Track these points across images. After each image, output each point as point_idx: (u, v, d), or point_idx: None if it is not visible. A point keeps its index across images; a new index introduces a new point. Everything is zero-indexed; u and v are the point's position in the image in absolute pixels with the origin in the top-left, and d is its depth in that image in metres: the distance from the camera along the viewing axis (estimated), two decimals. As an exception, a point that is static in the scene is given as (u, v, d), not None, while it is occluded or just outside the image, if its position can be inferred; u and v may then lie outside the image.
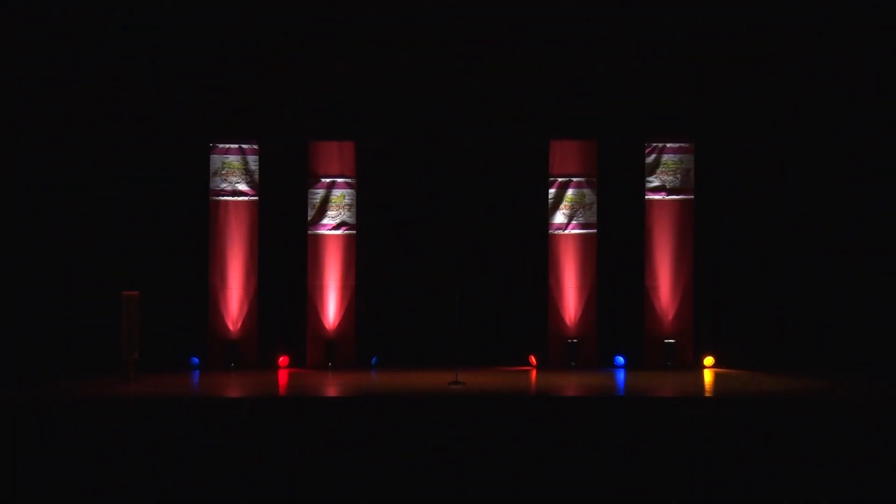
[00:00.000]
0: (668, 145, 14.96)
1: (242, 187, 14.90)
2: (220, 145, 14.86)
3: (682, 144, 14.96)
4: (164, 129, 14.66)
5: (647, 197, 15.01)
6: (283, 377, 13.95)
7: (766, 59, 14.47)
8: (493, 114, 14.80)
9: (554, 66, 14.60)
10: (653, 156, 14.99)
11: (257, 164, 14.95)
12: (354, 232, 15.00)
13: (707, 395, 12.73)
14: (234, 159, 14.88)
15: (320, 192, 14.95)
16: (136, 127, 14.60)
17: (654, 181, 14.99)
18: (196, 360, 14.57)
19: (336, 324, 14.84)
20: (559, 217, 15.00)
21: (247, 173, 14.91)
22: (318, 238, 14.93)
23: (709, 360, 14.66)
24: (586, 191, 14.99)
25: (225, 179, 14.87)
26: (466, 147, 15.06)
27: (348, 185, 14.98)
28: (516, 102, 14.78)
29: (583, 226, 14.98)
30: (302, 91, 14.73)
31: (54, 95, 14.42)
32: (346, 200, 14.96)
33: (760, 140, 14.74)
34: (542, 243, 15.02)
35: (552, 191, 15.02)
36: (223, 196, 14.88)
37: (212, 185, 14.87)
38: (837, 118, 14.64)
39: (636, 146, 15.01)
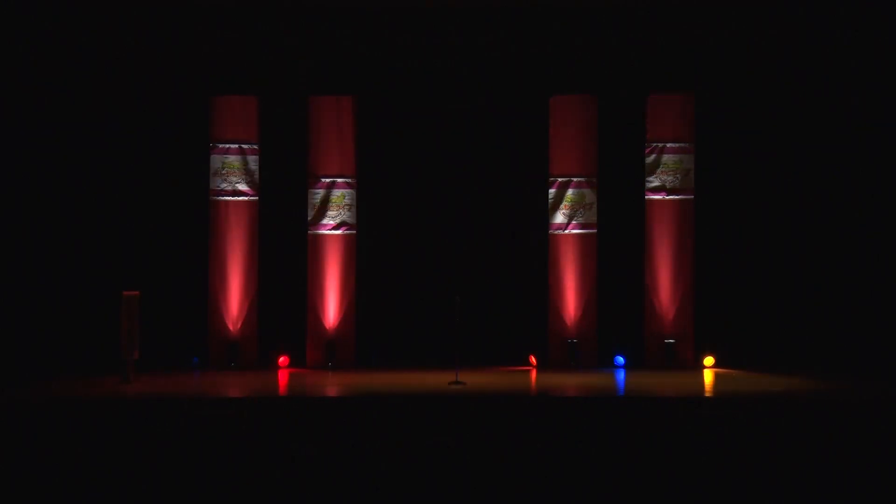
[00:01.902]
0: (668, 145, 14.95)
1: (242, 187, 14.90)
2: (220, 145, 14.86)
3: (682, 144, 14.95)
4: (164, 82, 14.64)
5: (647, 197, 15.01)
6: (283, 377, 13.95)
7: (769, 17, 14.45)
8: (493, 68, 14.77)
9: (553, 20, 14.55)
10: (653, 156, 14.99)
11: (257, 164, 14.95)
12: (354, 232, 15.00)
13: (707, 395, 12.73)
14: (234, 159, 14.88)
15: (320, 192, 14.95)
16: (136, 82, 14.59)
17: (654, 181, 14.98)
18: (196, 359, 14.58)
19: (336, 324, 14.84)
20: (559, 217, 15.00)
21: (247, 173, 14.91)
22: (318, 238, 14.93)
23: (709, 360, 14.66)
24: (586, 191, 14.99)
25: (225, 179, 14.87)
26: (467, 142, 15.04)
27: (348, 185, 14.98)
28: (516, 57, 14.74)
29: (583, 226, 14.98)
30: (302, 46, 14.69)
31: (49, 78, 14.47)
32: (346, 200, 14.96)
33: (760, 91, 14.68)
34: (542, 243, 15.02)
35: (552, 191, 15.02)
36: (223, 196, 14.89)
37: (212, 185, 14.87)
38: (839, 111, 14.64)
39: (636, 101, 14.92)
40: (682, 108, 14.91)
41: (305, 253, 14.92)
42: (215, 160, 14.88)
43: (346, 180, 14.98)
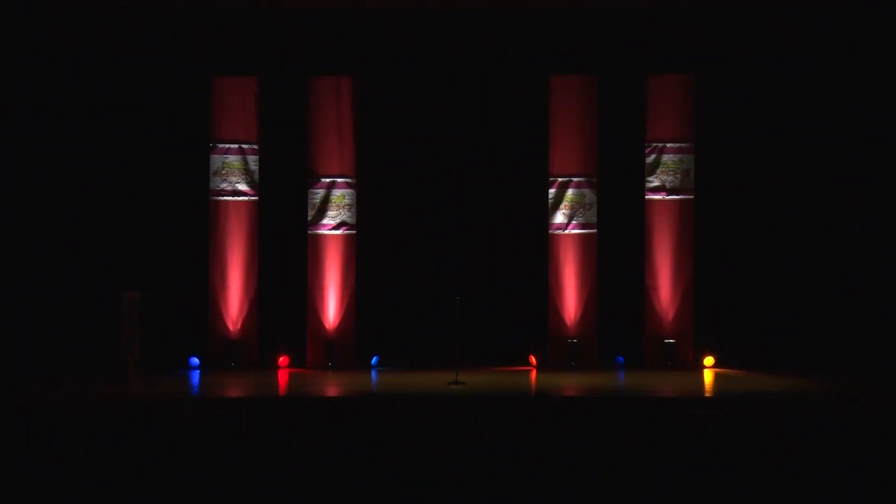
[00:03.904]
0: (668, 145, 14.96)
1: (242, 187, 14.90)
2: (220, 145, 14.87)
3: (682, 144, 14.96)
4: (164, 63, 14.63)
5: (647, 197, 15.00)
6: (283, 377, 13.95)
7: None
8: (493, 47, 14.75)
9: (554, 2, 14.55)
10: (653, 156, 14.99)
11: (257, 164, 14.95)
12: (354, 232, 15.00)
13: (707, 395, 12.73)
14: (234, 159, 14.88)
15: (320, 192, 14.95)
16: (135, 75, 14.60)
17: (654, 181, 14.98)
18: (196, 360, 14.58)
19: (336, 324, 14.84)
20: (559, 217, 15.00)
21: (247, 173, 14.92)
22: (318, 238, 14.93)
23: (709, 360, 14.65)
24: (586, 191, 14.99)
25: (225, 179, 14.87)
26: (466, 140, 15.02)
27: (348, 185, 14.98)
28: (517, 37, 14.71)
29: (583, 226, 14.98)
30: (300, 27, 14.67)
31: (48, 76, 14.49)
32: (346, 200, 14.96)
33: (761, 82, 14.68)
34: (542, 243, 15.02)
35: (552, 191, 15.02)
36: (223, 196, 14.89)
37: (212, 185, 14.87)
38: (841, 107, 14.62)
39: (636, 82, 14.91)
40: (682, 91, 14.87)
41: (305, 253, 14.91)
42: (215, 160, 14.88)
43: (347, 180, 14.98)
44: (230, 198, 14.88)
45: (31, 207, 14.48)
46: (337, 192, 14.94)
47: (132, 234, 14.67)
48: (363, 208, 15.05)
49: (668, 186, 14.97)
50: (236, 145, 14.89)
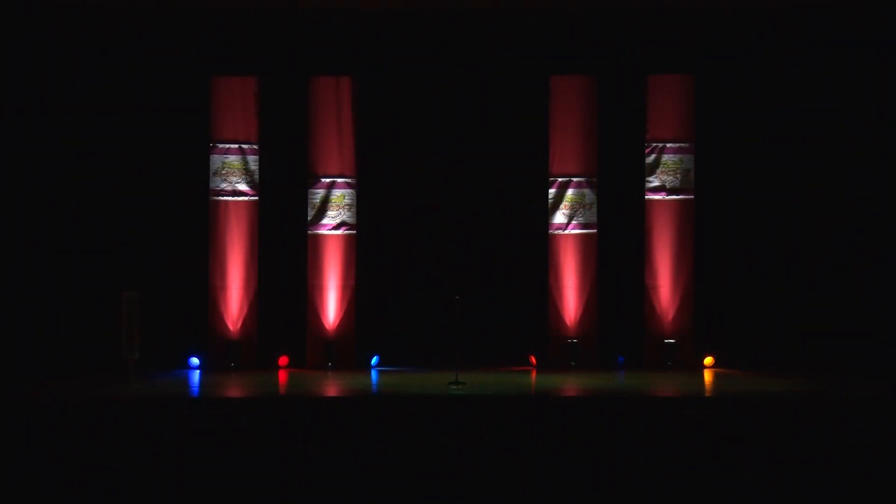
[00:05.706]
0: (668, 145, 14.96)
1: (242, 187, 14.90)
2: (220, 145, 14.87)
3: (682, 144, 14.96)
4: (164, 63, 14.64)
5: (647, 197, 15.01)
6: (283, 377, 13.96)
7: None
8: (493, 47, 14.74)
9: (554, 3, 14.53)
10: (653, 156, 15.00)
11: (257, 164, 14.96)
12: (354, 232, 15.01)
13: (707, 395, 12.74)
14: (234, 159, 14.89)
15: (320, 192, 14.95)
16: (135, 63, 14.59)
17: (654, 181, 14.99)
18: (196, 360, 14.58)
19: (336, 324, 14.84)
20: (559, 217, 15.01)
21: (247, 173, 14.92)
22: (318, 238, 14.93)
23: (709, 360, 14.66)
24: (586, 191, 15.00)
25: (225, 179, 14.88)
26: (467, 141, 15.01)
27: (348, 185, 14.98)
28: (517, 37, 14.70)
29: (583, 226, 14.99)
30: (300, 27, 14.65)
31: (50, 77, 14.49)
32: (346, 200, 14.97)
33: (761, 83, 14.68)
34: (542, 243, 15.03)
35: (552, 191, 15.03)
36: (223, 196, 14.89)
37: (212, 185, 14.87)
38: (840, 106, 14.61)
39: (636, 83, 14.92)
40: (682, 91, 14.88)
41: (305, 253, 14.92)
42: (215, 160, 14.88)
43: (347, 180, 14.99)
44: (230, 198, 14.89)
45: (32, 207, 14.48)
46: (337, 192, 14.94)
47: (132, 234, 14.67)
48: (363, 208, 15.06)
49: (668, 186, 14.98)
50: (236, 145, 14.90)
